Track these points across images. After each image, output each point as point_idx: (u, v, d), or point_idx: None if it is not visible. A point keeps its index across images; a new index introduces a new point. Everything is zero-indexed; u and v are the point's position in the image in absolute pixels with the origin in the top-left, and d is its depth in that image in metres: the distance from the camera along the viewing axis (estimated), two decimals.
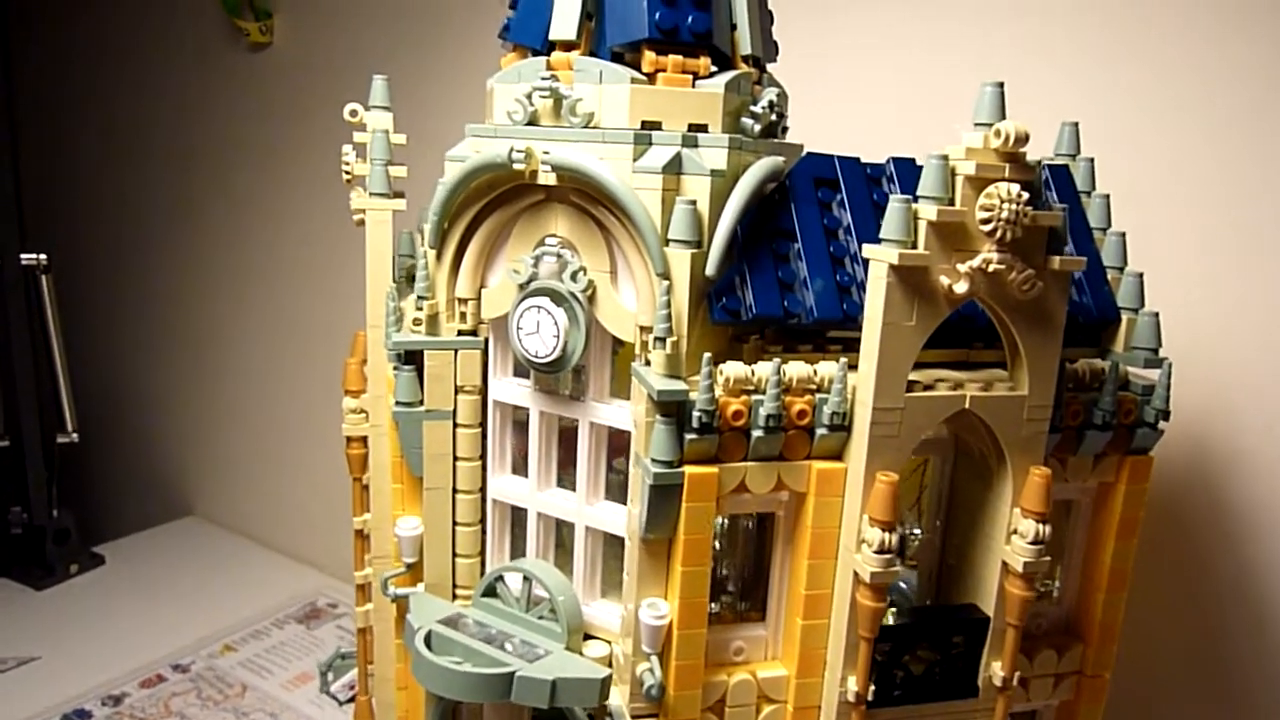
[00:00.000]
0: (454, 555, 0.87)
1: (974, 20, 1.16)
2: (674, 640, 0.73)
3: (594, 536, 0.82)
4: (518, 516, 0.87)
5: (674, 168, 0.72)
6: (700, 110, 0.75)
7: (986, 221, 0.66)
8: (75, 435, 1.92)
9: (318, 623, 1.73)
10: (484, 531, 0.87)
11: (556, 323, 0.75)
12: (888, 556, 0.69)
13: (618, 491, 0.82)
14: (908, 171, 0.79)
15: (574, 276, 0.76)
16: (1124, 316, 0.81)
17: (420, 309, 0.82)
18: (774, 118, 0.81)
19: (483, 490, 0.86)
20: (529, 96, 0.76)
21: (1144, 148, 1.06)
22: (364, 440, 0.96)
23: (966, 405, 0.71)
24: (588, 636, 0.82)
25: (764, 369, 0.71)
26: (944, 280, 0.67)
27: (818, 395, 0.72)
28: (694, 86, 0.75)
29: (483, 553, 0.88)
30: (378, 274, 0.91)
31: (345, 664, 1.46)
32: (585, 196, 0.75)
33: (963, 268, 0.67)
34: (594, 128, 0.74)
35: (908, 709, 0.76)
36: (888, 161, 0.80)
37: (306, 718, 1.46)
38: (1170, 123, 1.06)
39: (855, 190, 0.79)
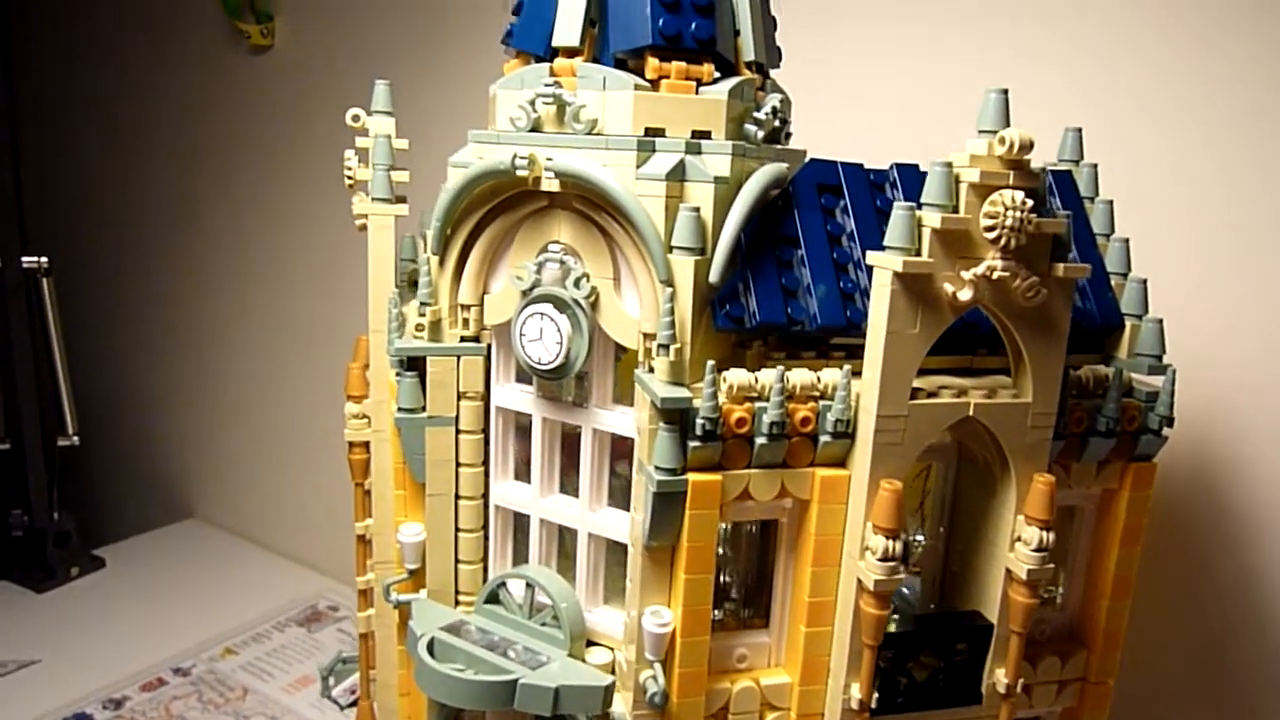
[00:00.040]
0: (456, 561, 0.87)
1: (976, 25, 1.16)
2: (677, 648, 0.73)
3: (596, 543, 0.82)
4: (520, 523, 0.87)
5: (677, 175, 0.72)
6: (704, 117, 0.75)
7: (991, 229, 0.66)
8: (76, 438, 1.92)
9: (319, 625, 1.73)
10: (486, 538, 0.87)
11: (559, 329, 0.75)
12: (892, 564, 0.69)
13: (620, 497, 0.82)
14: (911, 177, 0.79)
15: (577, 283, 0.76)
16: (1128, 323, 0.81)
17: (423, 315, 0.82)
18: (777, 124, 0.81)
19: (485, 496, 0.86)
20: (532, 103, 0.76)
21: (1144, 150, 1.06)
22: (366, 445, 0.96)
23: (970, 413, 0.71)
24: (590, 643, 0.82)
25: (767, 376, 0.71)
26: (948, 287, 0.67)
27: (821, 402, 0.71)
28: (697, 93, 0.75)
29: (485, 559, 0.87)
30: (380, 279, 0.91)
31: (347, 668, 1.45)
32: (588, 203, 0.74)
33: (967, 275, 0.67)
34: (597, 134, 0.74)
35: (911, 716, 0.76)
36: (891, 167, 0.80)
37: None
38: (1171, 124, 1.05)
39: (859, 196, 0.79)
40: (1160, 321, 0.80)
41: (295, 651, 1.64)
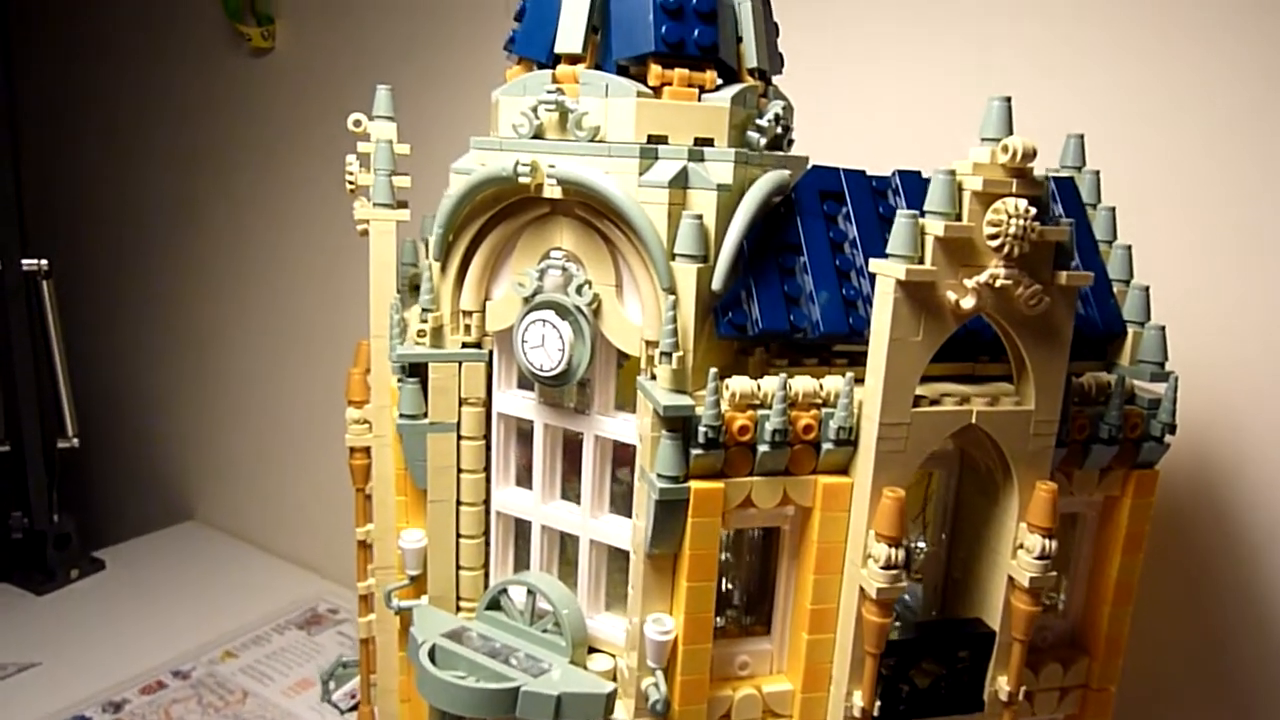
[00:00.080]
0: (458, 568, 0.87)
1: (977, 31, 1.16)
2: (679, 655, 0.73)
3: (598, 549, 0.82)
4: (522, 529, 0.86)
5: (680, 182, 0.72)
6: (706, 124, 0.75)
7: (994, 237, 0.66)
8: (76, 440, 1.91)
9: (319, 628, 1.73)
10: (488, 544, 0.87)
11: (561, 336, 0.75)
12: (894, 572, 0.69)
13: (621, 503, 0.81)
14: (913, 184, 0.79)
15: (579, 290, 0.76)
16: (1130, 330, 0.81)
17: (425, 321, 0.82)
18: (779, 130, 0.81)
19: (487, 502, 0.86)
20: (534, 110, 0.76)
21: (1145, 154, 1.06)
22: (367, 451, 0.96)
23: (973, 420, 0.71)
24: (592, 650, 0.82)
25: (770, 384, 0.71)
26: (951, 295, 0.67)
27: (823, 410, 0.71)
28: (700, 100, 0.75)
29: (486, 565, 0.87)
30: (381, 284, 0.91)
31: (347, 672, 1.45)
32: (591, 210, 0.74)
33: (970, 283, 0.67)
34: (600, 141, 0.74)
35: None
36: (893, 174, 0.80)
37: None
38: (1171, 127, 1.05)
39: (861, 203, 0.78)
40: (1162, 328, 0.80)
41: (295, 654, 1.64)
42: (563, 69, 0.77)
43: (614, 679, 0.79)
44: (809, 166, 0.81)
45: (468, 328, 0.82)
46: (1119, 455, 0.78)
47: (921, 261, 0.67)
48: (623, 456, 0.81)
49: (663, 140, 0.74)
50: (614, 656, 0.81)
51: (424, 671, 0.77)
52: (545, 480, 0.83)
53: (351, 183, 0.92)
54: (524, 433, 0.85)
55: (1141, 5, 1.06)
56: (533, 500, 0.84)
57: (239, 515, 2.13)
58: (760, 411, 0.70)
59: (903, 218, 0.66)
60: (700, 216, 0.71)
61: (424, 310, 0.82)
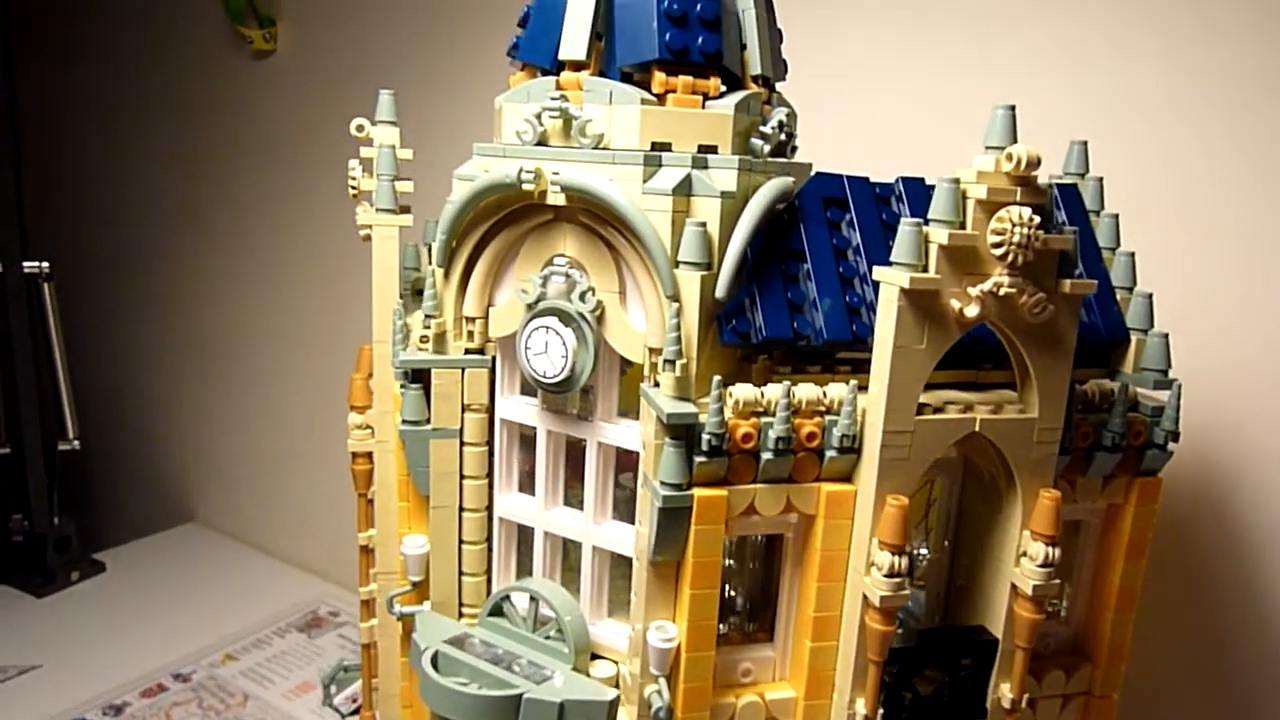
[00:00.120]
0: (460, 574, 0.87)
1: (980, 38, 1.16)
2: (682, 662, 0.73)
3: (601, 556, 0.82)
4: (524, 535, 0.86)
5: (684, 189, 0.72)
6: (710, 131, 0.75)
7: (998, 245, 0.66)
8: (76, 442, 1.92)
9: (319, 631, 1.73)
10: (490, 550, 0.87)
11: (565, 343, 0.75)
12: (897, 580, 0.69)
13: (624, 510, 0.81)
14: (917, 191, 0.79)
15: (582, 297, 0.76)
16: (1133, 337, 0.81)
17: (428, 327, 0.82)
18: (783, 137, 0.81)
19: (489, 509, 0.86)
20: (538, 116, 0.76)
21: (1146, 159, 1.06)
22: (369, 456, 0.96)
23: (976, 428, 0.71)
24: (594, 656, 0.82)
25: (773, 391, 0.71)
26: (955, 303, 0.67)
27: (827, 417, 0.71)
28: (704, 107, 0.75)
29: (489, 572, 0.87)
30: (384, 290, 0.91)
31: (348, 676, 1.46)
32: (594, 217, 0.74)
33: (974, 291, 0.67)
34: (604, 149, 0.74)
35: None
36: (896, 181, 0.80)
37: None
38: (1172, 130, 1.05)
39: (864, 210, 0.78)
40: (1165, 336, 0.80)
41: (296, 657, 1.64)
42: (567, 75, 0.77)
43: (617, 686, 0.79)
44: (812, 173, 0.81)
45: (471, 334, 0.82)
46: (1122, 463, 0.78)
47: (925, 270, 0.67)
48: (625, 463, 0.81)
49: (666, 147, 0.74)
50: (617, 663, 0.81)
51: (426, 678, 0.77)
52: (548, 486, 0.83)
53: (354, 187, 0.92)
54: (527, 439, 0.85)
55: (1142, 6, 1.06)
56: (535, 506, 0.84)
57: (240, 517, 2.13)
58: (764, 419, 0.70)
59: (907, 226, 0.66)
60: (704, 224, 0.71)
61: (427, 316, 0.82)
